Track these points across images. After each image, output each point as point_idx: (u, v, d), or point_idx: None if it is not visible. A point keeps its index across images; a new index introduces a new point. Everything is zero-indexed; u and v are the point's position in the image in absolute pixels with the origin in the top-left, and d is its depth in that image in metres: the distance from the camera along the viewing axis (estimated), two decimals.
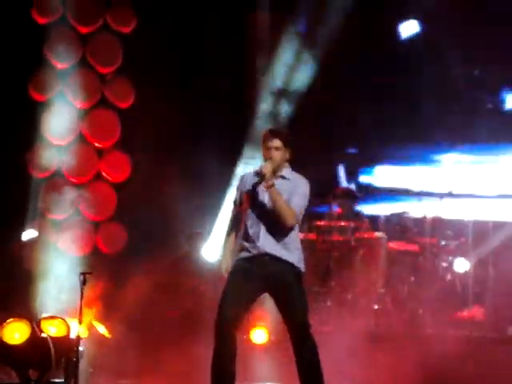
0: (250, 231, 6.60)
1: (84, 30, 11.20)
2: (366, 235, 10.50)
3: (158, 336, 8.92)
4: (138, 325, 8.90)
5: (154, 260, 9.91)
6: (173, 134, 11.13)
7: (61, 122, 10.86)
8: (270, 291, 6.66)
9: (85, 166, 11.08)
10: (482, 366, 8.70)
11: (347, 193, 10.94)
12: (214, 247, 10.29)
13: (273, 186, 6.45)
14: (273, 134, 6.61)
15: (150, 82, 11.12)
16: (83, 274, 7.23)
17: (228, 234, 6.84)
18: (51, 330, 7.79)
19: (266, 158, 6.56)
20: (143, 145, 11.11)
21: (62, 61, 11.05)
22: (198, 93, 11.48)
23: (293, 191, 6.55)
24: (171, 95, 11.20)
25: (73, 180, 11.04)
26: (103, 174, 11.20)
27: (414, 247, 10.55)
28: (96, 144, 11.22)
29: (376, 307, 10.19)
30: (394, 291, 10.35)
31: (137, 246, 10.83)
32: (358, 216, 10.78)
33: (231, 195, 7.08)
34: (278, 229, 6.56)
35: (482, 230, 10.76)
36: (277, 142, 6.55)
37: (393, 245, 10.61)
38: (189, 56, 11.56)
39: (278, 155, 6.55)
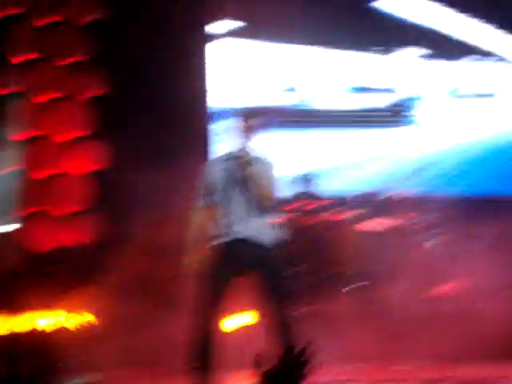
0: (230, 216, 6.61)
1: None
2: (337, 217, 10.52)
3: None
4: None
5: None
6: None
7: None
8: (252, 274, 6.66)
9: None
10: None
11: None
12: None
13: (252, 167, 6.52)
14: (246, 114, 6.70)
15: None
16: None
17: (197, 223, 6.75)
18: None
19: (241, 139, 6.64)
20: None
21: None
22: None
23: (264, 173, 6.62)
24: None
25: None
26: None
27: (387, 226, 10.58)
28: None
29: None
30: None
31: None
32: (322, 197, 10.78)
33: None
34: (257, 212, 6.59)
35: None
36: (252, 121, 6.67)
37: (364, 225, 10.64)
38: None
39: (252, 135, 6.66)
